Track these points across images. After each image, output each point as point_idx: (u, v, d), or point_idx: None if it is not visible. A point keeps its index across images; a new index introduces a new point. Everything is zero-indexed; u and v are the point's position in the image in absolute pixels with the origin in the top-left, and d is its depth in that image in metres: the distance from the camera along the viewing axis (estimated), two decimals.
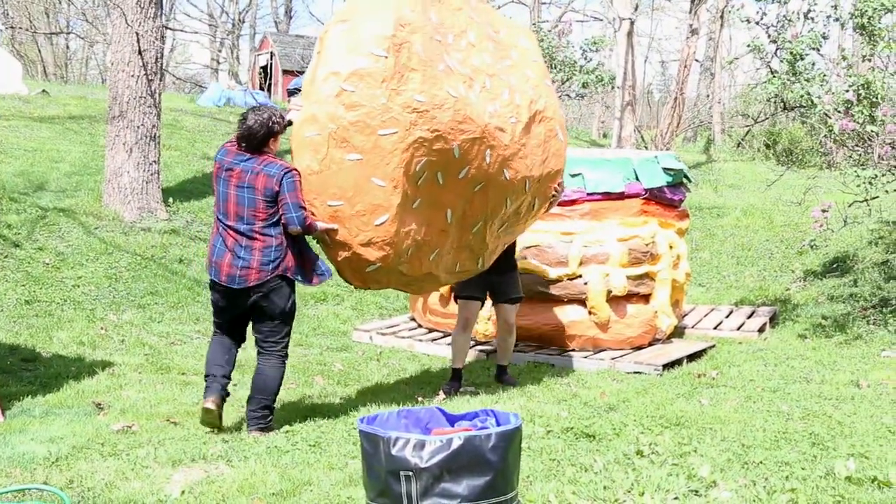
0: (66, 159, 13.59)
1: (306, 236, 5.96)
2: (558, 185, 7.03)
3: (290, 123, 5.96)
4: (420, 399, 6.97)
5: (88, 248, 10.61)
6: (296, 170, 5.81)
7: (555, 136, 6.77)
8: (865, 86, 8.13)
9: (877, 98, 8.23)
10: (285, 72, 31.11)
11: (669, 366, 8.12)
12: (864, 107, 8.27)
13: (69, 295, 9.56)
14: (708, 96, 27.57)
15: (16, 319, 8.81)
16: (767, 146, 24.44)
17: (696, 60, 23.83)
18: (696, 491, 4.76)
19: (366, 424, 3.40)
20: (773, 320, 10.09)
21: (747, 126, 23.50)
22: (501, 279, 7.45)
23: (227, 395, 6.07)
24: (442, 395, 7.25)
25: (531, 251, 8.50)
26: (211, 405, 5.86)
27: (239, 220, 5.80)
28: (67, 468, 4.95)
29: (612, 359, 8.27)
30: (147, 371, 7.81)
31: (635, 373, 8.01)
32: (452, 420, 3.61)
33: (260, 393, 5.98)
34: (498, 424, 3.46)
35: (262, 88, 30.20)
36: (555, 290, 8.47)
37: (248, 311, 6.00)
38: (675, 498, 4.65)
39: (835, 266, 11.78)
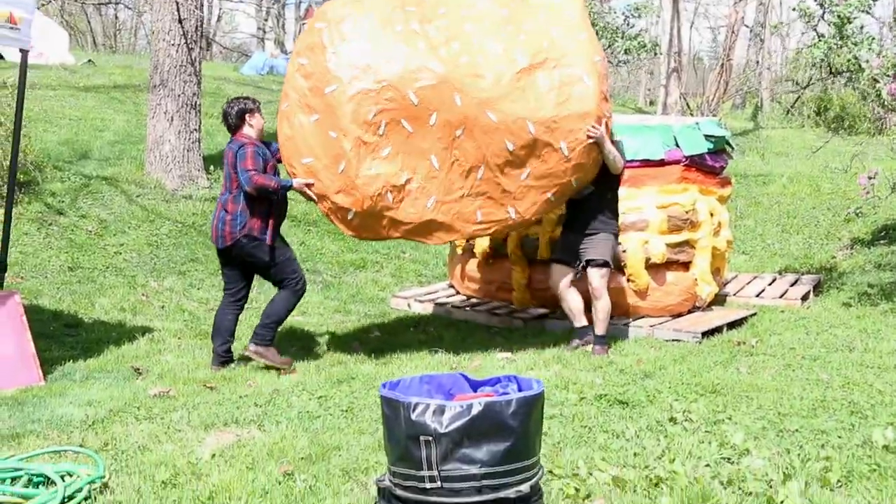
0: (109, 128, 13.73)
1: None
2: (593, 126, 6.96)
3: None
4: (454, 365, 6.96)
5: (130, 216, 10.73)
6: (249, 143, 6.88)
7: (579, 81, 6.96)
8: None
9: None
10: None
11: (709, 333, 8.03)
12: None
13: (111, 262, 9.68)
14: (757, 62, 27.11)
15: (59, 286, 8.93)
16: (817, 113, 24.02)
17: (746, 26, 23.43)
18: (729, 458, 4.71)
19: (387, 390, 3.39)
20: (818, 288, 9.94)
21: (796, 92, 23.10)
22: (583, 240, 7.47)
23: (230, 360, 7.08)
24: (576, 342, 7.52)
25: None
26: (216, 370, 6.92)
27: (223, 191, 6.99)
28: (103, 431, 5.03)
29: (651, 326, 8.19)
30: (186, 336, 7.90)
31: (674, 340, 7.93)
32: (475, 385, 3.59)
33: (266, 314, 7.05)
34: (520, 390, 3.43)
35: None
36: None
37: (243, 267, 7.07)
38: (707, 465, 4.60)
39: (883, 234, 11.56)
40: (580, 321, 7.64)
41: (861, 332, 8.06)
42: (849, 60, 8.30)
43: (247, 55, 35.40)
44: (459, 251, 9.42)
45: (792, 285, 9.85)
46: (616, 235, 7.55)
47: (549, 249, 8.52)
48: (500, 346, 7.77)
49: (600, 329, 7.51)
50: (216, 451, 4.71)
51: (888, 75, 8.32)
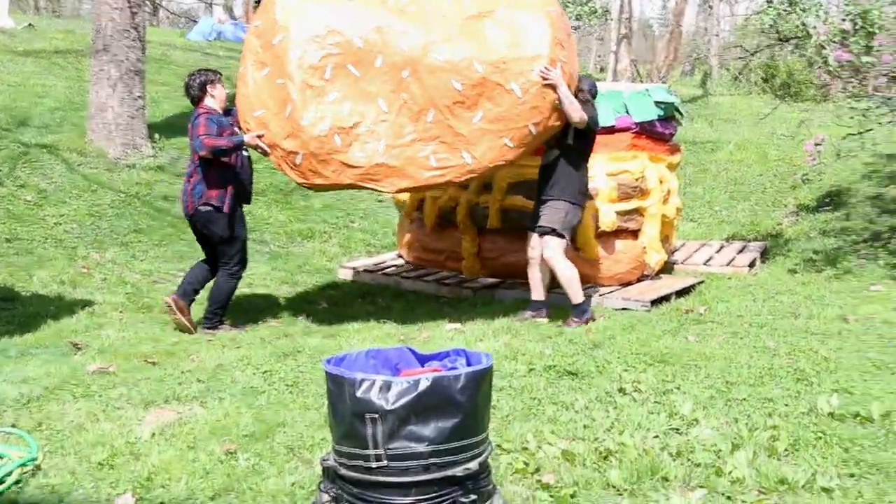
0: (50, 94, 13.38)
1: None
2: (545, 67, 6.90)
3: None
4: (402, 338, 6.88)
5: (71, 186, 10.47)
6: (204, 112, 7.03)
7: (531, 24, 7.01)
8: (863, 15, 7.92)
9: (873, 28, 8.03)
10: None
11: (657, 301, 8.03)
12: (860, 37, 8.08)
13: (50, 233, 9.44)
14: (705, 29, 27.17)
15: None
16: (765, 80, 24.15)
17: None
18: (677, 429, 4.69)
19: (332, 366, 3.29)
20: (764, 255, 10.00)
21: (744, 59, 23.17)
22: (537, 207, 7.41)
23: (188, 299, 7.24)
24: (527, 314, 7.45)
25: (519, 186, 8.36)
26: (169, 299, 7.16)
27: (188, 162, 7.24)
28: (38, 410, 4.88)
29: (600, 295, 8.17)
30: (128, 310, 7.73)
31: (623, 309, 7.92)
32: (423, 360, 3.50)
33: (210, 300, 7.28)
34: (469, 364, 3.35)
35: None
36: None
37: (206, 239, 7.26)
38: (655, 436, 4.58)
39: (828, 200, 11.65)
40: (536, 294, 7.55)
41: (806, 299, 8.11)
42: (797, 27, 8.29)
43: (194, 20, 34.78)
44: (408, 221, 9.32)
45: (739, 252, 9.90)
46: (575, 204, 7.31)
47: (498, 218, 8.46)
48: (448, 317, 7.70)
49: (573, 299, 7.34)
50: (156, 429, 4.59)
51: (835, 42, 8.33)
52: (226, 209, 7.07)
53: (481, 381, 3.20)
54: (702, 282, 8.77)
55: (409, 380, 3.09)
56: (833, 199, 11.66)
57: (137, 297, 8.07)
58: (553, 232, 7.28)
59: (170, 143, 12.21)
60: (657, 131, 8.73)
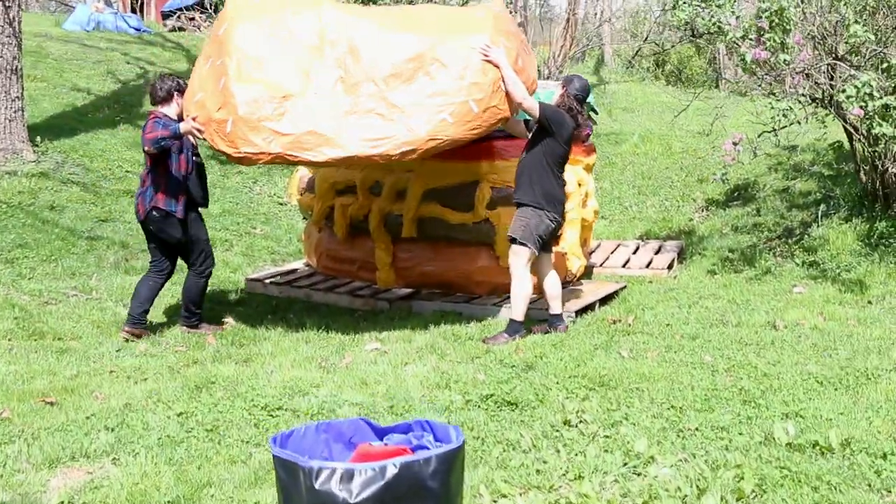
0: None
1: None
2: (485, 45, 6.78)
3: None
4: (322, 362, 6.45)
5: None
6: (153, 116, 7.13)
7: (471, 14, 7.42)
8: (779, 12, 7.77)
9: (789, 25, 7.89)
10: None
11: (582, 311, 7.78)
12: (775, 34, 7.93)
13: None
14: (595, 15, 27.18)
15: None
16: (657, 65, 24.27)
17: None
18: (635, 469, 4.41)
19: (279, 448, 2.87)
20: (681, 255, 9.85)
21: (637, 46, 23.24)
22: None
23: (143, 326, 7.29)
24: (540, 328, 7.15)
25: (435, 193, 7.98)
26: (125, 334, 7.19)
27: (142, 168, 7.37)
28: None
29: None
30: (18, 338, 7.08)
31: (546, 320, 7.63)
32: (381, 433, 3.11)
33: (184, 300, 7.45)
34: (436, 440, 2.97)
35: (133, 11, 28.48)
36: (461, 234, 8.00)
37: (160, 243, 7.30)
38: (615, 480, 4.29)
39: (736, 195, 11.61)
40: (552, 307, 7.21)
41: (730, 303, 7.97)
42: (712, 24, 8.10)
43: (67, 5, 33.27)
44: (316, 229, 8.85)
45: (656, 253, 9.74)
46: (538, 208, 6.90)
47: (413, 227, 8.07)
48: (367, 333, 7.31)
49: (514, 313, 7.02)
50: (65, 497, 4.08)
51: (751, 38, 8.17)
52: (178, 214, 7.12)
53: (453, 463, 2.83)
54: (624, 287, 8.56)
55: (373, 466, 2.70)
56: (741, 194, 11.62)
57: (27, 322, 7.40)
58: (514, 241, 6.93)
59: (53, 145, 11.42)
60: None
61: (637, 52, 23.21)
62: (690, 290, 8.50)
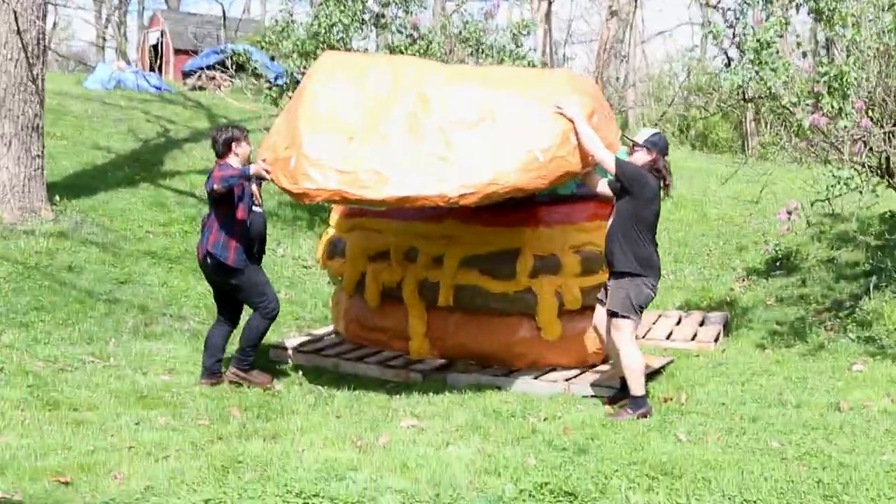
0: None
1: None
2: (559, 98, 6.70)
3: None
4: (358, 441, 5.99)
5: None
6: (222, 163, 7.23)
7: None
8: (839, 76, 7.41)
9: (849, 90, 7.52)
10: (177, 51, 29.35)
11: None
12: (834, 99, 7.56)
13: None
14: (617, 79, 27.03)
15: None
16: (681, 130, 24.04)
17: (619, 41, 23.29)
18: None
19: None
20: (727, 328, 9.39)
21: (662, 110, 23.02)
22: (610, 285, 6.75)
23: (219, 374, 7.43)
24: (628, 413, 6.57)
25: (474, 260, 7.58)
26: (205, 385, 7.31)
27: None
28: None
29: (566, 380, 7.42)
30: (31, 408, 6.63)
31: (593, 396, 7.18)
32: None
33: (242, 340, 7.38)
34: None
35: (152, 69, 28.49)
36: (500, 304, 7.57)
37: (219, 288, 7.49)
38: None
39: (778, 264, 11.17)
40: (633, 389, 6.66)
41: (787, 381, 7.52)
42: (769, 87, 7.74)
43: (86, 64, 33.38)
44: (345, 295, 8.42)
45: (700, 325, 9.29)
46: (637, 276, 6.55)
47: (450, 295, 7.65)
48: (401, 409, 6.85)
49: (632, 389, 6.62)
50: None
51: (807, 104, 7.81)
52: (230, 262, 7.15)
53: None
54: (671, 361, 8.09)
55: None
56: (783, 263, 11.18)
57: (42, 391, 6.97)
58: (616, 314, 6.58)
59: (72, 204, 11.11)
60: None
61: (662, 115, 22.96)
62: (741, 365, 8.03)
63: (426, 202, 6.52)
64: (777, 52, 7.94)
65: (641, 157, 6.76)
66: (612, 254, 6.66)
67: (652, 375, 7.71)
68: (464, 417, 6.59)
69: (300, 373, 7.91)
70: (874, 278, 9.59)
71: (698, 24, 22.09)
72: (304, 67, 11.25)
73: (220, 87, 23.41)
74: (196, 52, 27.10)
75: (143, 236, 10.94)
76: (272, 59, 19.51)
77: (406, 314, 7.94)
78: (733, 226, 12.80)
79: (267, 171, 6.93)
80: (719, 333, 9.02)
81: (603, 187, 6.97)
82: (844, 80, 7.42)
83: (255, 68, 15.91)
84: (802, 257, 11.14)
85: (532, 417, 6.58)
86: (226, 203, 7.12)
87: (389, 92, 6.92)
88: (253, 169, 7.03)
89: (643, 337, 8.93)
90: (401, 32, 11.62)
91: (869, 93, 7.88)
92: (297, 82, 11.86)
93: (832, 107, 7.59)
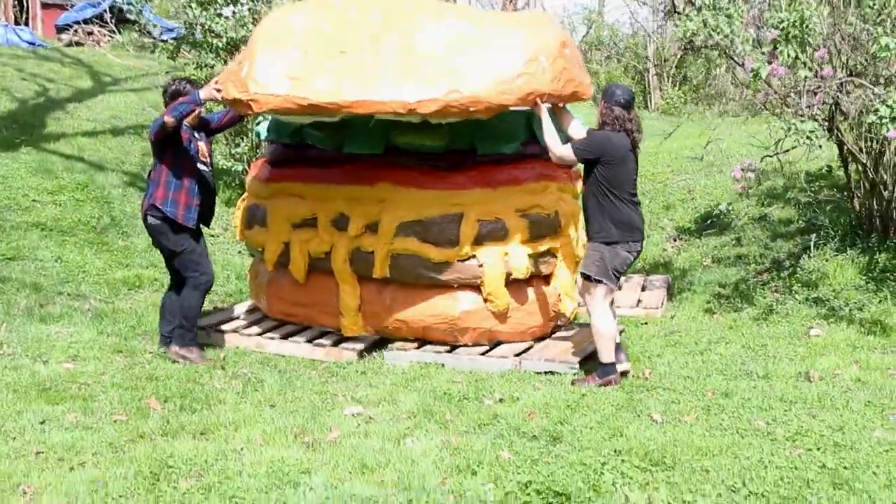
0: None
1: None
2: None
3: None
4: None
5: None
6: (164, 114, 6.61)
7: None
8: (799, 22, 6.93)
9: (808, 37, 7.05)
10: (45, 5, 27.50)
11: (583, 361, 6.79)
12: (792, 47, 7.09)
13: None
14: None
15: None
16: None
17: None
18: None
19: None
20: (669, 291, 8.95)
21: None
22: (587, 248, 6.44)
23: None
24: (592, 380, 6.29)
25: (411, 227, 6.91)
26: (173, 355, 6.89)
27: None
28: None
29: (516, 355, 6.85)
30: None
31: (547, 373, 6.63)
32: None
33: (179, 317, 6.94)
34: None
35: (17, 23, 26.62)
36: (442, 275, 6.92)
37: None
38: None
39: (708, 222, 10.80)
40: (603, 355, 6.34)
41: (746, 350, 7.14)
42: (726, 35, 7.23)
43: None
44: (269, 266, 7.63)
45: (643, 290, 8.81)
46: (611, 243, 6.19)
47: (386, 266, 6.98)
48: (340, 393, 6.19)
49: (600, 356, 6.33)
50: None
51: (763, 53, 7.33)
52: (180, 220, 6.72)
53: None
54: (622, 331, 7.58)
55: None
56: (713, 221, 10.81)
57: None
58: (588, 277, 6.24)
59: None
60: None
61: None
62: (694, 332, 7.61)
63: (382, 109, 6.16)
64: None
65: (597, 112, 6.45)
66: (589, 220, 6.31)
67: None
68: (412, 402, 5.97)
69: (222, 355, 7.13)
70: (814, 237, 9.26)
71: None
72: (206, 19, 10.32)
73: (98, 43, 22.03)
74: (65, 7, 25.52)
75: (30, 206, 9.91)
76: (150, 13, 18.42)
77: (336, 287, 7.23)
78: (657, 183, 12.39)
79: (217, 91, 6.49)
80: (663, 298, 8.56)
81: (575, 130, 6.49)
82: (805, 25, 6.94)
83: (143, 22, 14.82)
84: (733, 215, 10.78)
85: (487, 399, 6.01)
86: (174, 152, 6.70)
87: (354, 18, 6.55)
88: (203, 92, 6.57)
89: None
90: None
91: (825, 39, 7.43)
92: (194, 34, 10.93)
93: (788, 55, 7.12)
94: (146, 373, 6.62)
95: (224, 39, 10.26)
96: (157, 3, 18.94)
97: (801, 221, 10.06)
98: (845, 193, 9.52)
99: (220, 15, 10.36)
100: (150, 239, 7.03)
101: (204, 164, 6.93)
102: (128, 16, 19.68)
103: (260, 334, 7.47)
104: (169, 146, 6.68)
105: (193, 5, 10.28)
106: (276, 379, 6.57)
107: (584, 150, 6.23)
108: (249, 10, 10.38)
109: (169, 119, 6.48)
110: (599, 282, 6.23)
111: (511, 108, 6.55)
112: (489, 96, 6.09)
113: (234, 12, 10.56)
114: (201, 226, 6.97)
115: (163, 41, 17.25)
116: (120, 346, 7.19)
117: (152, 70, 16.67)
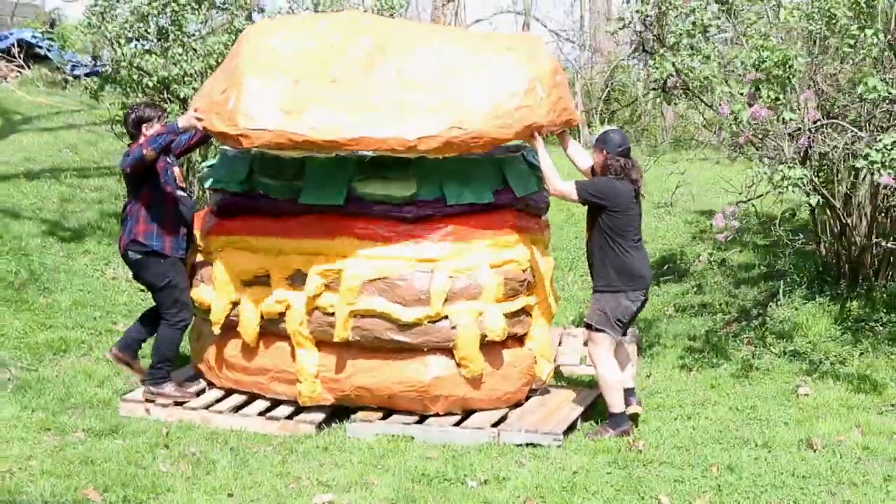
0: None
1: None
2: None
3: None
4: None
5: None
6: (133, 147, 6.46)
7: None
8: (783, 62, 6.56)
9: (792, 78, 6.70)
10: None
11: (567, 431, 6.26)
12: (773, 88, 6.73)
13: None
14: None
15: None
16: None
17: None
18: None
19: None
20: (638, 345, 8.46)
21: None
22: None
23: (131, 349, 6.86)
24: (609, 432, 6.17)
25: (376, 285, 6.29)
26: (108, 354, 6.93)
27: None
28: None
29: (493, 425, 6.27)
30: None
31: (528, 445, 6.07)
32: None
33: (153, 354, 6.73)
34: None
35: None
36: (411, 338, 6.31)
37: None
38: None
39: (666, 268, 10.38)
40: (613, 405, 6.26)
41: (735, 413, 6.72)
42: (706, 78, 6.84)
43: None
44: (216, 330, 6.89)
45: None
46: (615, 292, 6.18)
47: (348, 327, 6.34)
48: (304, 476, 5.54)
49: (610, 406, 6.27)
50: None
51: (740, 93, 6.96)
52: (167, 251, 6.55)
53: None
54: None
55: None
56: (670, 267, 10.41)
57: None
58: (591, 327, 6.25)
59: None
60: (536, 206, 7.00)
61: None
62: (675, 394, 7.14)
63: (381, 146, 6.01)
64: (706, 33, 7.06)
65: (595, 160, 6.35)
66: (592, 268, 6.37)
67: (586, 413, 6.68)
68: (387, 485, 5.38)
69: (164, 431, 6.38)
70: (781, 283, 8.90)
71: (519, 13, 21.38)
72: (133, 56, 9.58)
73: (6, 78, 20.98)
74: None
75: None
76: (63, 48, 17.55)
77: (292, 351, 6.57)
78: None
79: (199, 120, 6.25)
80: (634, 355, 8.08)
81: (575, 151, 6.70)
82: (789, 66, 6.58)
83: (54, 58, 13.95)
84: (689, 260, 10.40)
85: (471, 481, 5.44)
86: (151, 183, 6.49)
87: (342, 39, 6.34)
88: (182, 121, 6.38)
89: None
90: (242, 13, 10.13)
91: (810, 79, 7.09)
92: (119, 72, 10.14)
93: (768, 97, 6.76)
94: (80, 455, 5.85)
95: (154, 78, 9.50)
96: (71, 36, 17.97)
97: (761, 266, 9.73)
98: (804, 237, 9.23)
99: (149, 52, 9.61)
100: (131, 272, 6.89)
101: (181, 189, 6.76)
102: (37, 50, 18.80)
103: (205, 406, 6.75)
104: (146, 178, 6.48)
105: (122, 41, 9.53)
106: (228, 459, 5.88)
107: (590, 194, 6.20)
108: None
109: (149, 152, 6.29)
110: (602, 331, 6.17)
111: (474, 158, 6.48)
112: (489, 131, 6.07)
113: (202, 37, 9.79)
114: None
115: (75, 77, 16.38)
116: (48, 422, 6.38)
117: (66, 107, 15.75)
